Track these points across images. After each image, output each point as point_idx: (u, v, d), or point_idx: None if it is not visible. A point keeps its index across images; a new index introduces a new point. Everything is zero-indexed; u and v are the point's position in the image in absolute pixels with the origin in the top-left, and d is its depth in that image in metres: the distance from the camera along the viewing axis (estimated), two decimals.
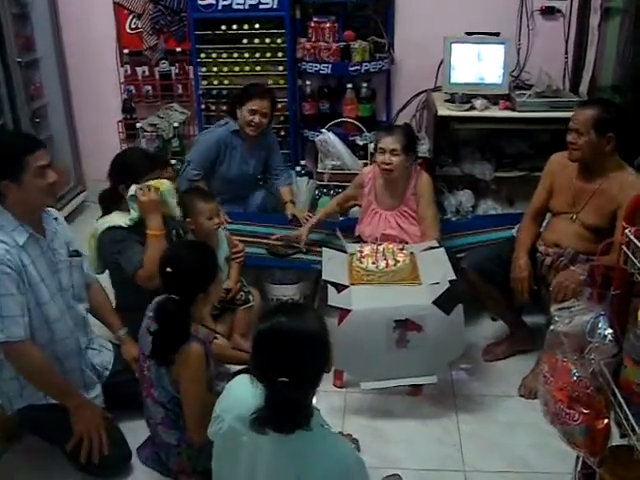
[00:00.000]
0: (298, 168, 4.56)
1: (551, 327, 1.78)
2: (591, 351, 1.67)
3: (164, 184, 2.90)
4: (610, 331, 1.69)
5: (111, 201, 3.06)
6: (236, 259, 3.40)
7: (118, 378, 2.84)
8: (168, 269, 2.36)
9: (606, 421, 1.75)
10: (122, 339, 2.94)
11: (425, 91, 4.61)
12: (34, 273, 2.49)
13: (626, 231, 1.67)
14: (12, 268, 2.40)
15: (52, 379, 2.54)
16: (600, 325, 1.69)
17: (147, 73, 4.87)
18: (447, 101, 4.19)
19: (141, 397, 2.57)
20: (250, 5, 4.37)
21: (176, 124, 4.70)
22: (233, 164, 4.05)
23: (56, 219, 2.73)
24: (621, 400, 1.68)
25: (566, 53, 4.44)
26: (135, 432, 2.73)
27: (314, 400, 1.94)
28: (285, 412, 1.78)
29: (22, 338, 2.41)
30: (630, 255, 1.65)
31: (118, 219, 2.95)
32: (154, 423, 2.52)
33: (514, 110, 4.08)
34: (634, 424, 1.65)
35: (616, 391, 1.70)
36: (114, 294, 3.12)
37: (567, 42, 4.43)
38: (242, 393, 1.92)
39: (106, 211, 3.07)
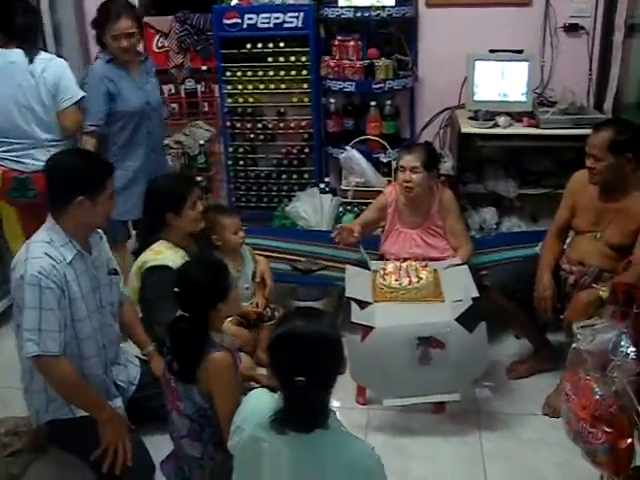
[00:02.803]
0: (322, 185, 4.57)
1: (573, 345, 1.78)
2: (613, 369, 1.67)
3: None
4: (633, 349, 1.69)
5: (152, 231, 3.12)
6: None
7: (143, 392, 2.87)
8: (176, 289, 2.38)
9: (630, 440, 1.74)
10: (151, 355, 2.97)
11: (449, 108, 4.62)
12: (76, 289, 2.53)
13: None
14: (56, 284, 2.44)
15: (83, 393, 2.56)
16: (622, 343, 1.69)
17: (173, 91, 4.93)
18: (471, 118, 4.20)
19: (164, 411, 2.60)
20: (275, 24, 4.41)
21: (202, 141, 4.75)
22: (127, 94, 3.60)
23: (101, 238, 2.78)
24: None
25: (590, 70, 4.42)
26: (159, 446, 2.74)
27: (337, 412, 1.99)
28: (303, 411, 1.86)
29: (56, 353, 2.44)
30: None
31: (169, 257, 2.98)
32: (178, 436, 2.53)
33: (538, 127, 4.07)
34: None
35: None
36: (141, 309, 3.16)
37: (591, 59, 4.41)
38: (261, 402, 1.98)
39: (144, 242, 3.11)
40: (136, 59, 3.69)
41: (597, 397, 1.71)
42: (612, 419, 1.71)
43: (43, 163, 3.05)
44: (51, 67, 3.41)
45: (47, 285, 2.41)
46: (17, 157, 3.46)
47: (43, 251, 2.45)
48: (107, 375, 2.75)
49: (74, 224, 2.53)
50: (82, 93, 3.47)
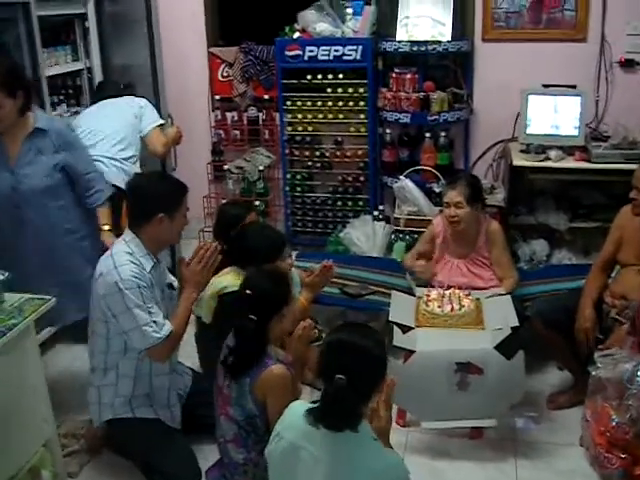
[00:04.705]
0: (376, 213, 4.70)
1: (593, 372, 1.85)
2: (629, 397, 1.73)
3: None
4: None
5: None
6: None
7: (192, 400, 3.03)
8: (247, 291, 2.57)
9: None
10: None
11: (502, 141, 4.69)
12: (157, 295, 2.76)
13: None
14: (147, 284, 2.67)
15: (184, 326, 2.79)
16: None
17: (236, 118, 5.16)
18: (522, 151, 4.26)
19: (213, 420, 2.73)
20: (335, 56, 4.56)
21: (261, 167, 4.94)
22: None
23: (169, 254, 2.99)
24: None
25: None
26: (206, 455, 2.90)
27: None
28: (337, 408, 1.99)
29: (172, 329, 2.68)
30: None
31: (235, 280, 3.06)
32: (224, 441, 2.66)
33: (589, 161, 4.10)
34: None
35: None
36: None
37: None
38: (302, 412, 2.10)
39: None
40: (17, 133, 2.98)
41: (614, 424, 1.77)
42: (627, 445, 1.76)
43: None
44: None
45: (142, 285, 2.64)
46: None
47: (128, 259, 2.67)
48: (169, 380, 2.92)
49: (153, 239, 2.74)
50: None
